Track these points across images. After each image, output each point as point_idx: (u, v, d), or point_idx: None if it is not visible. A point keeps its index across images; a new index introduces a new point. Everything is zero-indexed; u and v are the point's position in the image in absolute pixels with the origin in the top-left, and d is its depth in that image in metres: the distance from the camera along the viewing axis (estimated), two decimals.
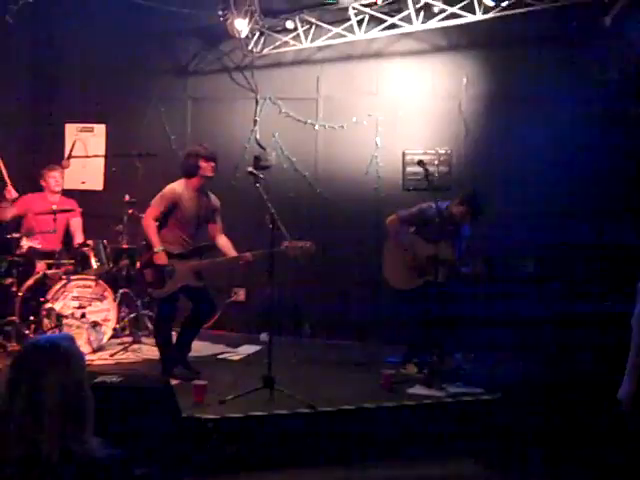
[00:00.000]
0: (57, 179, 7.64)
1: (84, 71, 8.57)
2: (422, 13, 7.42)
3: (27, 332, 6.54)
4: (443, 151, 7.85)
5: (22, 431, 2.13)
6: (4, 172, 7.23)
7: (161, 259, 5.96)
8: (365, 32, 7.71)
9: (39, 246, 7.13)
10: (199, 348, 6.76)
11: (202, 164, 6.06)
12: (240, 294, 8.26)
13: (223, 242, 6.26)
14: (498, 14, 7.11)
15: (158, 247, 5.96)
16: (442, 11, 7.33)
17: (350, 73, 8.15)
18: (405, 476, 4.86)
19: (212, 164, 6.09)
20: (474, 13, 7.19)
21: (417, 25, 7.45)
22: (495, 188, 7.26)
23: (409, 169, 7.88)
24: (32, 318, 6.62)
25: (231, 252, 6.16)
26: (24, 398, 2.15)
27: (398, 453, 5.06)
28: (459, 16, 7.29)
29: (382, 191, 7.95)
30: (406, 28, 7.55)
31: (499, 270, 6.45)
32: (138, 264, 6.72)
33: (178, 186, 6.11)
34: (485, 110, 7.82)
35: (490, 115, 7.79)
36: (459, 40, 7.81)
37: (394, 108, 8.00)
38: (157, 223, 6.08)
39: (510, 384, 5.90)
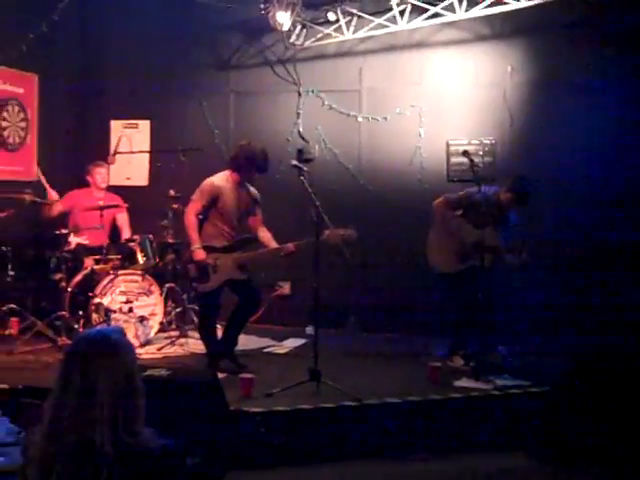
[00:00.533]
0: (103, 175, 7.73)
1: (128, 68, 8.65)
2: (465, 1, 7.32)
3: (76, 326, 6.63)
4: (488, 141, 7.76)
5: (75, 422, 2.15)
6: (43, 180, 7.34)
7: (199, 255, 6.00)
8: (407, 22, 7.64)
9: (87, 242, 7.23)
10: (245, 342, 6.78)
11: (250, 170, 6.10)
12: (285, 288, 8.27)
13: (264, 234, 6.27)
14: (543, 0, 6.98)
15: (195, 245, 6.02)
16: None
17: (393, 64, 8.09)
18: (455, 469, 4.83)
19: (256, 176, 6.15)
20: (518, 0, 7.09)
21: (460, 14, 7.36)
22: (541, 178, 7.14)
23: (453, 160, 7.80)
24: (81, 313, 6.70)
25: (272, 244, 6.18)
26: (76, 389, 2.18)
27: (446, 446, 5.03)
28: (503, 3, 7.18)
29: (426, 182, 7.88)
30: (449, 17, 7.46)
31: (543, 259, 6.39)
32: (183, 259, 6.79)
33: (218, 179, 6.15)
34: (530, 98, 7.70)
35: (535, 103, 7.67)
36: (503, 28, 7.70)
37: (438, 98, 7.93)
38: (200, 217, 6.12)
39: (557, 375, 5.82)
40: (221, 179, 6.16)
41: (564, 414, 5.12)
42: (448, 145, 7.86)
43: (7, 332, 6.89)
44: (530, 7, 7.08)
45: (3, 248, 6.74)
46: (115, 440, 2.14)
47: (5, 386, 5.35)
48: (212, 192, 6.08)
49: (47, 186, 7.39)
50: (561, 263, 6.71)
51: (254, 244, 6.27)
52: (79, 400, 2.16)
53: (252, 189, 6.32)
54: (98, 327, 6.15)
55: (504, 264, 6.24)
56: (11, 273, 6.73)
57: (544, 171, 7.28)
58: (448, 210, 6.39)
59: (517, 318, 6.81)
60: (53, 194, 7.40)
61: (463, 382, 5.77)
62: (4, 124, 7.74)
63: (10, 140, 7.83)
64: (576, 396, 5.30)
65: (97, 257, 7.08)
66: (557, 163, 7.37)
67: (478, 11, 7.32)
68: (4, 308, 6.79)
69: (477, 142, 7.75)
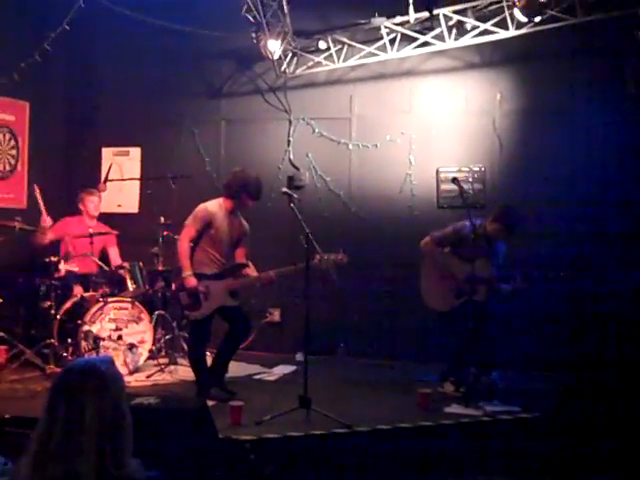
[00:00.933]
0: (95, 203, 7.71)
1: (119, 95, 8.70)
2: (454, 30, 7.40)
3: (65, 355, 6.59)
4: (477, 168, 7.79)
5: (61, 453, 2.13)
6: (40, 202, 7.34)
7: (191, 283, 5.99)
8: (397, 51, 7.70)
9: (77, 269, 7.19)
10: (235, 369, 6.74)
11: (243, 197, 6.11)
12: (275, 314, 8.25)
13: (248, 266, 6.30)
14: (531, 30, 7.06)
15: (187, 272, 6.01)
16: (475, 28, 7.31)
17: (383, 92, 8.14)
18: None
19: (250, 203, 6.14)
20: (507, 29, 7.16)
21: (450, 43, 7.44)
22: (530, 204, 7.18)
23: (443, 187, 7.83)
24: (70, 340, 6.67)
25: (254, 274, 6.20)
26: (63, 420, 2.16)
27: (436, 473, 5.00)
28: (492, 32, 7.26)
29: (416, 209, 7.91)
30: (439, 46, 7.53)
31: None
32: (173, 287, 6.78)
33: (211, 205, 6.16)
34: (519, 126, 7.75)
35: (524, 131, 7.72)
36: (492, 56, 7.77)
37: (427, 126, 7.97)
38: (191, 244, 6.12)
39: (547, 402, 5.82)
40: (214, 205, 6.17)
41: (555, 439, 5.11)
42: (438, 172, 7.88)
43: None
44: (519, 36, 7.16)
45: None
46: (101, 471, 2.12)
47: None
48: (205, 217, 6.09)
49: (43, 209, 7.34)
50: (552, 288, 6.75)
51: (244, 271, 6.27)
52: (65, 431, 2.14)
53: (244, 221, 6.34)
54: (87, 357, 6.12)
55: (499, 293, 6.25)
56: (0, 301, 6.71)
57: (533, 198, 7.33)
58: (436, 248, 6.40)
59: (509, 344, 6.79)
60: (47, 220, 7.37)
61: (453, 408, 5.74)
62: None
63: (0, 167, 7.83)
64: (567, 421, 5.31)
65: (86, 284, 7.06)
66: (546, 190, 7.41)
67: (467, 40, 7.40)
68: None
69: (467, 169, 7.79)
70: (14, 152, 8.03)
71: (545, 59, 7.57)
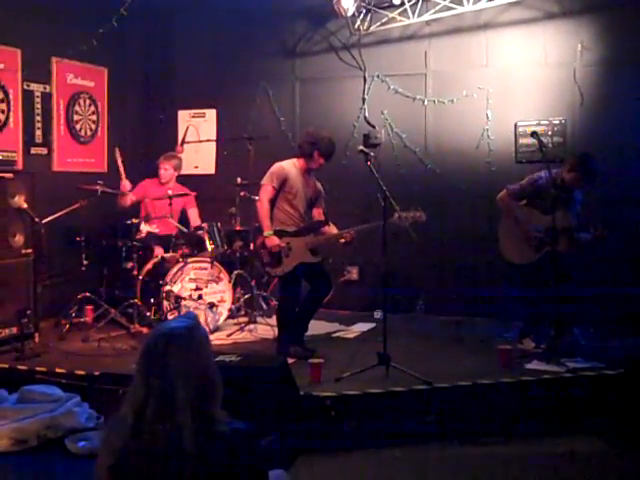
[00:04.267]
0: (161, 171, 7.73)
1: (194, 58, 8.77)
2: None
3: (148, 314, 6.75)
4: (557, 121, 7.58)
5: (158, 415, 2.19)
6: (120, 165, 7.49)
7: (272, 242, 6.06)
8: (473, 3, 7.52)
9: (157, 230, 7.33)
10: (313, 326, 6.75)
11: (315, 156, 6.15)
12: (353, 272, 8.27)
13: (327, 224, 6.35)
14: None
15: (267, 231, 6.10)
16: None
17: (459, 46, 7.97)
18: (528, 453, 4.76)
19: (322, 161, 6.18)
20: None
21: None
22: (612, 158, 6.99)
23: (522, 141, 7.66)
24: (152, 300, 6.83)
25: (334, 231, 6.26)
26: (154, 386, 2.22)
27: (518, 430, 4.97)
28: None
29: (494, 164, 7.76)
30: None
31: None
32: (252, 245, 6.88)
33: (286, 164, 6.26)
34: (601, 77, 7.50)
35: (606, 82, 7.47)
36: (572, 5, 7.52)
37: (505, 79, 7.79)
38: (270, 203, 6.18)
39: (632, 359, 5.70)
40: (289, 164, 6.27)
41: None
42: (516, 126, 7.71)
43: (82, 320, 7.11)
44: None
45: (77, 238, 6.92)
46: (197, 425, 2.18)
47: (82, 372, 5.50)
48: (281, 175, 6.17)
49: (123, 174, 7.53)
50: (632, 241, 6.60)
51: (324, 228, 6.31)
52: (159, 394, 2.20)
53: (317, 182, 6.40)
54: (170, 319, 6.23)
55: (579, 243, 6.13)
56: (85, 262, 6.91)
57: (615, 150, 7.12)
58: (512, 202, 6.29)
59: (593, 300, 6.66)
60: (127, 185, 7.54)
61: (534, 365, 5.69)
62: (76, 117, 7.92)
63: (82, 133, 8.01)
64: None
65: (167, 245, 7.20)
66: (629, 142, 7.19)
67: None
68: (79, 296, 6.99)
69: (546, 122, 7.59)
70: (94, 117, 8.19)
71: (627, 6, 7.29)
